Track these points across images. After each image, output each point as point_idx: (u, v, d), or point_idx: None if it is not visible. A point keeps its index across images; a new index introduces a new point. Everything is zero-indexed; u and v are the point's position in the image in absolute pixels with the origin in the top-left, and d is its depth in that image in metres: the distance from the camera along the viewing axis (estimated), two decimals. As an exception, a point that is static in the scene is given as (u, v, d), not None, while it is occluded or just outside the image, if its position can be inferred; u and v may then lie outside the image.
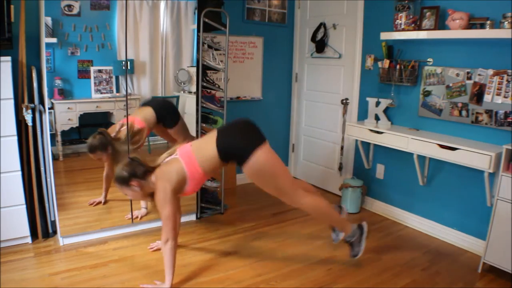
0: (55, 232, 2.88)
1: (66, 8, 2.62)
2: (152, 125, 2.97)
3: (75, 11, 2.66)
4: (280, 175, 2.38)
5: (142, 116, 2.93)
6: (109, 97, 2.91)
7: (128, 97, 2.89)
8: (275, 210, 3.61)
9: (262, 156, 2.28)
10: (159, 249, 2.73)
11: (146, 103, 3.00)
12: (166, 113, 3.03)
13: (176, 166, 2.31)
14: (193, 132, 3.23)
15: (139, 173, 2.29)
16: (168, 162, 2.36)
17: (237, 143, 2.32)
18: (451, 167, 3.03)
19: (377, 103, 3.44)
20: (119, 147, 2.85)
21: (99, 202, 2.96)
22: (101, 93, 2.89)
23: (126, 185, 2.31)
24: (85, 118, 2.87)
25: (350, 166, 3.91)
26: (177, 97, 3.24)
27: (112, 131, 2.85)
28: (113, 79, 2.92)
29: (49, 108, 2.68)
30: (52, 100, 2.71)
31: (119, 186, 2.34)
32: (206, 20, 3.07)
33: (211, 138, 2.34)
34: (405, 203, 3.44)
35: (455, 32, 2.72)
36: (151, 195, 2.39)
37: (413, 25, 3.01)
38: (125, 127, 2.86)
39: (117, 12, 2.79)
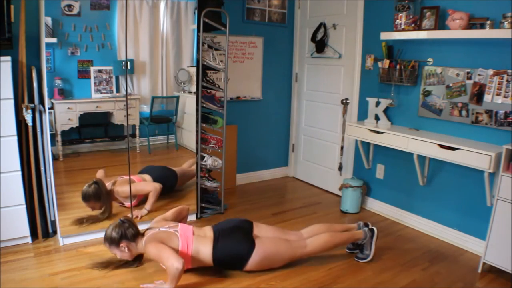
0: (55, 232, 2.88)
1: (66, 8, 2.62)
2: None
3: (75, 11, 2.66)
4: (280, 250, 2.50)
5: (141, 177, 3.07)
6: (109, 97, 2.91)
7: (128, 97, 2.89)
8: (275, 210, 3.61)
9: (257, 257, 2.44)
10: None
11: (143, 171, 3.12)
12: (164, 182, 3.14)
13: (172, 239, 2.38)
14: (193, 132, 3.23)
15: (129, 235, 2.40)
16: (167, 232, 2.43)
17: (233, 253, 2.44)
18: (451, 167, 3.03)
19: (377, 103, 3.44)
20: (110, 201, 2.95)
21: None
22: (101, 93, 2.89)
23: (116, 246, 2.41)
24: (85, 118, 2.87)
25: (350, 166, 3.91)
26: (177, 97, 3.24)
27: (107, 180, 2.92)
28: (113, 79, 2.91)
29: (49, 108, 2.68)
30: (52, 100, 2.71)
31: (108, 246, 2.43)
32: (206, 20, 3.07)
33: (207, 244, 2.43)
34: (405, 203, 3.44)
35: (455, 32, 2.72)
36: (137, 256, 2.52)
37: (413, 25, 3.01)
38: (121, 179, 2.95)
39: (117, 12, 2.79)
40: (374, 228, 2.75)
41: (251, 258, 2.43)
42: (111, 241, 2.40)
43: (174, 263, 2.17)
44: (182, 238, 2.39)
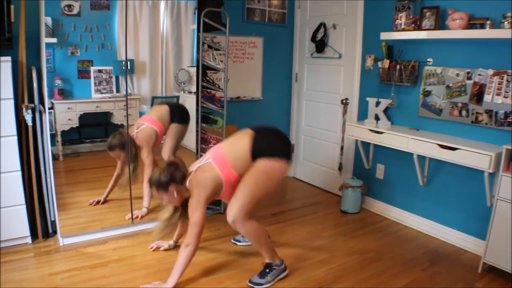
0: (55, 232, 2.88)
1: (66, 8, 2.62)
2: (167, 124, 3.01)
3: (75, 11, 2.66)
4: (267, 192, 2.33)
5: (158, 115, 2.97)
6: (109, 97, 2.92)
7: (128, 97, 2.89)
8: (275, 210, 3.61)
9: (281, 168, 2.29)
10: (158, 248, 2.74)
11: (162, 102, 3.07)
12: (179, 112, 3.08)
13: (211, 173, 2.26)
14: (193, 132, 3.23)
15: (177, 178, 2.27)
16: (201, 168, 2.30)
17: (273, 144, 2.32)
18: (451, 167, 3.03)
19: (377, 103, 3.44)
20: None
21: (98, 202, 2.97)
22: (101, 93, 2.89)
23: (164, 190, 2.28)
24: (85, 118, 2.87)
25: (350, 166, 3.91)
26: (177, 97, 3.24)
27: (131, 131, 2.90)
28: (113, 79, 2.92)
29: (49, 108, 2.68)
30: (52, 100, 2.71)
31: (156, 190, 2.31)
32: (206, 20, 3.07)
33: (243, 140, 2.31)
34: (405, 203, 3.44)
35: (455, 32, 2.72)
36: (185, 200, 2.38)
37: (413, 25, 3.01)
38: (142, 127, 2.91)
39: (117, 12, 2.79)
40: (287, 268, 2.52)
41: (277, 161, 2.26)
42: (159, 185, 2.26)
43: (192, 240, 2.19)
44: (216, 162, 2.27)
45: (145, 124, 2.92)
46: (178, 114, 3.05)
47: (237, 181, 2.32)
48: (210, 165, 2.29)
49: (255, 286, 2.37)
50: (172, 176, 2.26)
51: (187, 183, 2.30)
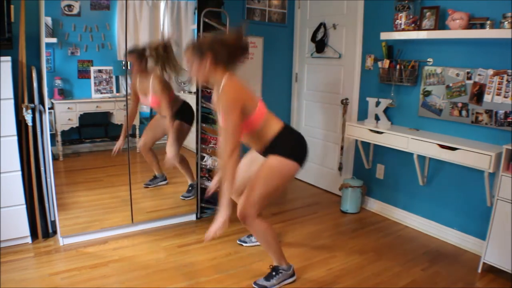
0: (55, 232, 2.88)
1: (66, 8, 2.62)
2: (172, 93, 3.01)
3: (75, 11, 2.66)
4: (278, 190, 2.29)
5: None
6: (109, 97, 2.92)
7: (128, 97, 2.89)
8: (275, 210, 3.61)
9: (294, 169, 2.22)
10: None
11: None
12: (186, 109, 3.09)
13: (254, 96, 2.16)
14: (193, 132, 3.23)
15: (219, 56, 2.02)
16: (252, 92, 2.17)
17: (293, 144, 2.24)
18: (451, 167, 3.03)
19: (377, 103, 3.44)
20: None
21: (119, 148, 2.92)
22: (101, 93, 2.89)
23: (200, 55, 2.02)
24: (85, 118, 2.87)
25: (350, 166, 3.91)
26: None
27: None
28: (113, 79, 2.92)
29: (49, 108, 2.68)
30: (52, 100, 2.71)
31: (192, 51, 2.05)
32: (206, 20, 3.07)
33: (277, 125, 2.23)
34: (405, 203, 3.44)
35: (455, 32, 2.72)
36: (206, 84, 2.20)
37: (413, 25, 3.01)
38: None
39: (117, 12, 2.79)
40: (294, 274, 2.48)
41: (291, 162, 2.19)
42: (199, 48, 2.02)
43: (228, 146, 1.96)
44: (260, 103, 2.18)
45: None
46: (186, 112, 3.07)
47: (255, 124, 2.18)
48: (257, 98, 2.19)
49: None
50: (217, 51, 2.02)
51: (226, 75, 2.06)
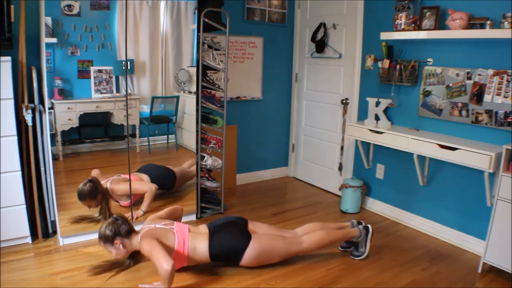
0: (55, 232, 2.88)
1: (66, 8, 2.62)
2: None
3: (75, 11, 2.66)
4: (275, 245, 2.52)
5: (139, 177, 3.06)
6: (109, 97, 2.91)
7: (128, 97, 2.89)
8: (275, 210, 3.61)
9: (253, 250, 2.45)
10: None
11: (141, 170, 3.10)
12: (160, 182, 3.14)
13: (167, 236, 2.37)
14: (193, 132, 3.23)
15: (122, 232, 2.38)
16: (163, 228, 2.43)
17: (229, 250, 2.45)
18: (451, 167, 3.03)
19: (377, 103, 3.44)
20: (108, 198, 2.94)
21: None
22: (101, 93, 2.89)
23: (110, 244, 2.39)
24: (85, 118, 2.87)
25: (350, 166, 3.91)
26: (177, 97, 3.24)
27: (103, 178, 2.90)
28: (113, 79, 2.91)
29: (49, 108, 2.68)
30: (52, 100, 2.71)
31: (103, 244, 2.41)
32: (206, 20, 3.07)
33: (203, 240, 2.43)
34: (405, 203, 3.44)
35: (455, 32, 2.72)
36: (132, 255, 2.50)
37: (413, 25, 3.01)
38: (117, 178, 2.94)
39: (117, 12, 2.79)
40: (369, 226, 2.77)
41: (246, 252, 2.44)
42: (105, 239, 2.38)
43: (164, 264, 2.15)
44: (178, 235, 2.39)
45: (121, 176, 2.97)
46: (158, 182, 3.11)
47: (182, 262, 2.40)
48: (171, 233, 2.40)
49: (356, 258, 2.73)
50: (117, 230, 2.37)
51: (138, 237, 2.38)
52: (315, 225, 2.74)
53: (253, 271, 2.54)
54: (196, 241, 2.42)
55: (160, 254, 2.19)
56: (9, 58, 2.49)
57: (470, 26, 2.70)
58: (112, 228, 2.37)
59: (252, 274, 2.50)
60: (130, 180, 2.93)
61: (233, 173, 4.19)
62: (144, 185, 3.02)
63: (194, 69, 3.16)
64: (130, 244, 2.42)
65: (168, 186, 3.22)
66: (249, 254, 2.45)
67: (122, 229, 2.39)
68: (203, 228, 2.54)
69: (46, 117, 2.67)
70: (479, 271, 2.64)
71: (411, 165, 3.24)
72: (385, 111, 3.40)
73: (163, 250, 2.23)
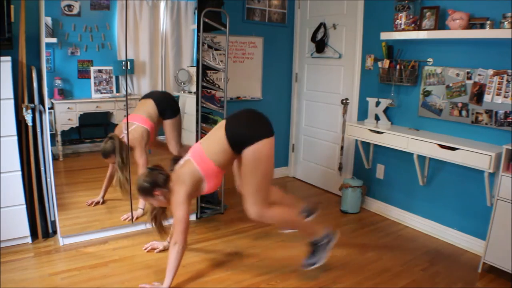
0: (55, 232, 2.88)
1: (66, 8, 2.63)
2: (156, 119, 2.96)
3: (75, 11, 2.66)
4: (268, 174, 2.33)
5: (146, 112, 2.92)
6: (109, 97, 2.92)
7: (128, 97, 2.89)
8: (275, 210, 3.61)
9: (266, 146, 2.26)
10: (153, 250, 2.74)
11: (146, 96, 3.00)
12: (167, 105, 3.02)
13: (189, 168, 2.29)
14: (193, 132, 3.23)
15: (160, 182, 2.29)
16: (182, 165, 2.35)
17: (248, 128, 2.30)
18: (451, 167, 3.03)
19: (377, 103, 3.44)
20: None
21: (98, 202, 2.96)
22: (101, 93, 2.89)
23: (150, 195, 2.32)
24: (85, 118, 2.87)
25: (350, 166, 3.91)
26: (177, 97, 3.24)
27: (119, 132, 2.87)
28: (113, 79, 2.92)
29: (49, 108, 2.68)
30: (52, 100, 2.71)
31: (143, 196, 2.36)
32: (206, 20, 3.07)
33: (219, 130, 2.32)
34: (405, 203, 3.44)
35: (455, 32, 2.72)
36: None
37: (413, 25, 3.01)
38: (132, 127, 2.87)
39: (117, 12, 2.79)
40: (334, 234, 2.54)
41: (259, 143, 2.23)
42: (145, 191, 2.30)
43: (180, 242, 2.20)
44: (194, 158, 2.29)
45: (135, 124, 2.88)
46: (167, 108, 2.98)
47: (218, 173, 2.35)
48: (189, 162, 2.32)
49: (310, 267, 2.45)
50: (155, 181, 2.28)
51: (171, 183, 2.31)
52: (278, 194, 2.67)
53: (253, 271, 2.54)
54: (213, 145, 2.30)
55: (180, 227, 2.20)
56: (9, 58, 2.49)
57: (470, 26, 2.70)
58: (150, 179, 2.28)
59: (252, 274, 2.50)
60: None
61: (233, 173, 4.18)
62: (137, 152, 2.93)
63: (194, 69, 3.16)
64: (169, 193, 2.32)
65: (169, 113, 3.02)
66: (261, 147, 2.24)
67: (160, 179, 2.29)
68: (218, 125, 2.39)
69: (46, 117, 2.67)
70: (479, 271, 2.64)
71: (411, 165, 3.24)
72: (385, 111, 3.40)
73: (184, 224, 2.22)
